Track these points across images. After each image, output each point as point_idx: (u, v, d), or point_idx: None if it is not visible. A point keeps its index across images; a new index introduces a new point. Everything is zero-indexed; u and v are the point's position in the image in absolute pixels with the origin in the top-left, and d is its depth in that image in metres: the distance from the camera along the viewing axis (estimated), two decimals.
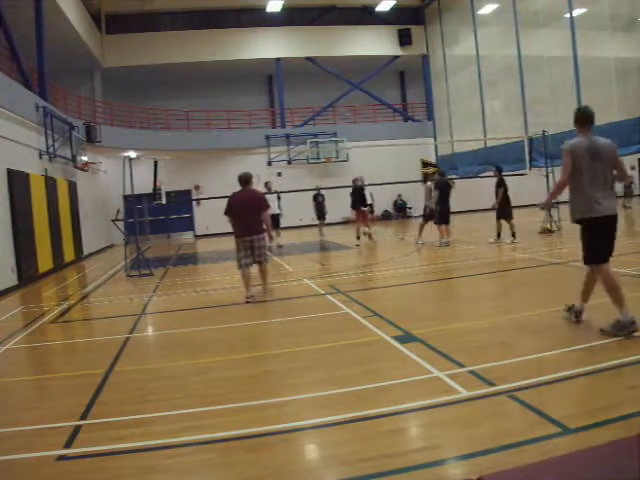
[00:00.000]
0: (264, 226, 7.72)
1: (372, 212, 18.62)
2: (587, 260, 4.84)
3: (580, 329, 4.94)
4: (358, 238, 14.26)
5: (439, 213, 12.32)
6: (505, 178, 12.48)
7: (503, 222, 12.34)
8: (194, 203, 23.76)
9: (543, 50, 17.41)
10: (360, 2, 25.06)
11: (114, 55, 22.66)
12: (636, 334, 4.41)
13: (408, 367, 4.23)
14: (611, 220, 4.78)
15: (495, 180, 12.47)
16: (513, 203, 12.48)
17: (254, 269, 7.87)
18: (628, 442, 2.48)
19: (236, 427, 3.35)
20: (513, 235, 12.01)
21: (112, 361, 5.03)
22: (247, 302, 7.45)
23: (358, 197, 14.26)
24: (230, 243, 13.22)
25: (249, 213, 7.54)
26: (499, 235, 12.28)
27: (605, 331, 4.59)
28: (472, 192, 23.56)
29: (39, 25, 14.95)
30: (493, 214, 12.65)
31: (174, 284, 10.02)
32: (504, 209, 12.27)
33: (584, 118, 4.84)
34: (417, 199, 25.21)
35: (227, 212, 7.68)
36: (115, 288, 10.14)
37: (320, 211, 17.25)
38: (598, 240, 4.76)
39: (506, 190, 12.32)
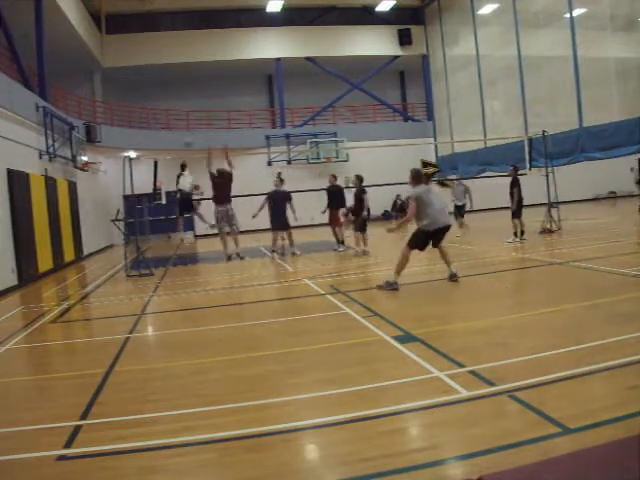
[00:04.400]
0: None
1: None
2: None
3: (580, 329, 4.94)
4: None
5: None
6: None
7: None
8: (194, 203, 23.73)
9: (543, 50, 17.39)
10: (360, 2, 25.06)
11: (114, 55, 22.66)
12: None
13: (408, 367, 4.23)
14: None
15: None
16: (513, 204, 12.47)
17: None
18: (628, 442, 2.48)
19: (236, 427, 3.35)
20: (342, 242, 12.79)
21: (112, 361, 5.03)
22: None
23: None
24: (229, 243, 13.20)
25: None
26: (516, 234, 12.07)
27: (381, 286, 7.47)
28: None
29: (39, 25, 14.95)
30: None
31: (174, 284, 10.01)
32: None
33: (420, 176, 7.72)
34: None
35: None
36: (115, 288, 10.14)
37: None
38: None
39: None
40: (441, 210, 7.64)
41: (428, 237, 7.63)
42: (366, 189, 12.03)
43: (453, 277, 7.73)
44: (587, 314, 5.45)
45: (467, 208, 14.61)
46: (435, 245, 7.84)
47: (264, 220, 13.34)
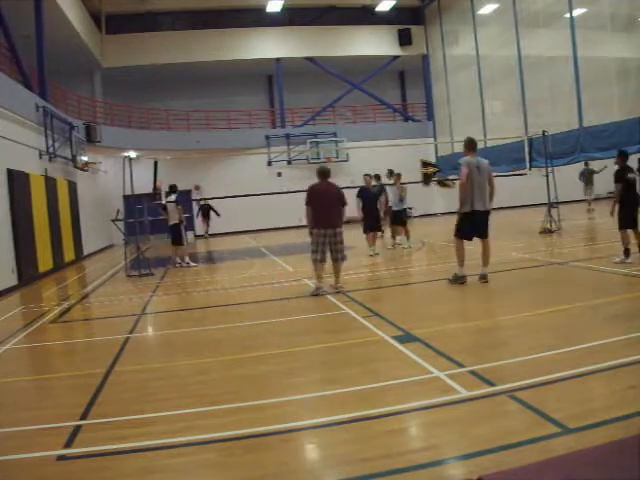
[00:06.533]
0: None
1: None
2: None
3: (580, 329, 4.94)
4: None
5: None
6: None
7: None
8: (194, 203, 23.76)
9: (543, 50, 17.37)
10: (360, 2, 25.03)
11: (114, 55, 22.64)
12: None
13: (408, 367, 4.23)
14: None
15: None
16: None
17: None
18: (628, 442, 2.48)
19: (236, 427, 3.35)
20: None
21: (112, 361, 5.03)
22: (314, 295, 7.52)
23: None
24: (227, 243, 13.19)
25: (329, 205, 7.58)
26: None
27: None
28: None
29: (39, 25, 14.94)
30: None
31: (174, 284, 10.02)
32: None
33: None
34: (417, 199, 25.22)
35: (308, 203, 7.61)
36: (115, 288, 10.14)
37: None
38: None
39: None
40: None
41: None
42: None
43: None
44: (587, 314, 5.45)
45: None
46: None
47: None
